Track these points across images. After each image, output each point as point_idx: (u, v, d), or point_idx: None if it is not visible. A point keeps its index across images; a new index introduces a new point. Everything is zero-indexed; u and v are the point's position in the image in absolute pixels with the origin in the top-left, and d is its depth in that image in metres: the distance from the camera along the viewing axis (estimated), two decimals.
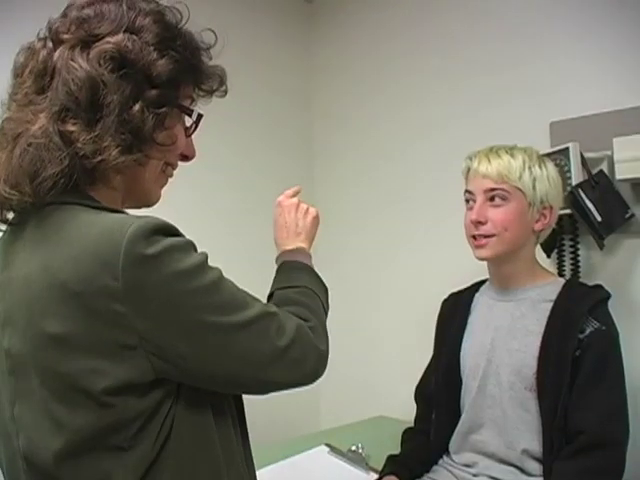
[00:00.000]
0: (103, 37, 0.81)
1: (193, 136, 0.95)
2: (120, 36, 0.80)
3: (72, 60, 0.79)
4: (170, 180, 0.96)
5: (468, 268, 1.60)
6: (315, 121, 2.74)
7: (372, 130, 2.47)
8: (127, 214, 0.81)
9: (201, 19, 0.91)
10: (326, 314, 1.05)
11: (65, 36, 0.81)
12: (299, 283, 1.02)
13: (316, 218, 1.16)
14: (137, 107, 0.80)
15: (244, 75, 2.43)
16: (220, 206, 2.39)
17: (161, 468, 0.79)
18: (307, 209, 1.16)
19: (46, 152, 0.77)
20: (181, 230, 0.82)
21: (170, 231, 0.79)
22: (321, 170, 2.70)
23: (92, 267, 0.73)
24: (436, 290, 1.75)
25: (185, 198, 2.08)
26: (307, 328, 0.91)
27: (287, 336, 0.86)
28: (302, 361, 0.89)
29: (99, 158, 0.78)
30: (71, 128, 0.77)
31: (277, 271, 1.07)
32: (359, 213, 2.50)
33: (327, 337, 0.97)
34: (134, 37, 0.81)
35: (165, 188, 0.96)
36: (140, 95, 0.80)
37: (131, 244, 0.73)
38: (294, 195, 1.19)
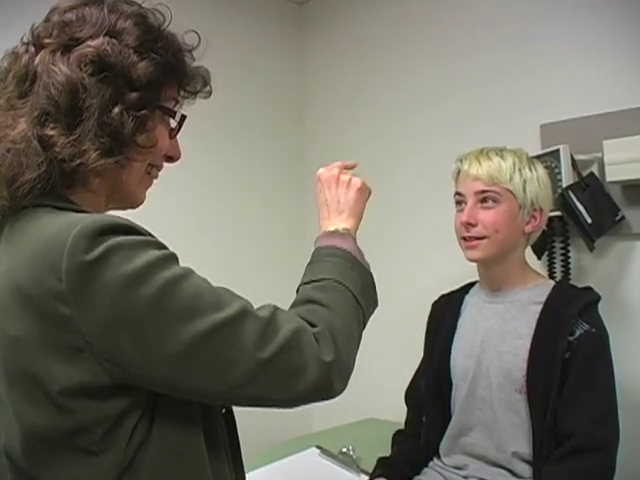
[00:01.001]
0: (84, 41, 0.81)
1: (179, 138, 0.94)
2: (100, 40, 0.80)
3: (53, 64, 0.79)
4: (161, 189, 0.95)
5: (458, 270, 1.60)
6: (307, 125, 2.73)
7: (364, 135, 2.46)
8: (90, 214, 0.78)
9: (190, 22, 0.91)
10: (363, 310, 0.92)
11: (47, 40, 0.82)
12: (325, 275, 0.90)
13: (361, 190, 1.03)
14: (117, 110, 0.79)
15: (234, 79, 2.43)
16: (207, 215, 2.40)
17: (136, 475, 0.77)
18: (349, 180, 1.04)
19: (24, 157, 0.77)
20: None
21: (121, 229, 0.74)
22: (313, 175, 2.69)
23: (41, 269, 0.72)
24: (426, 292, 1.75)
25: (171, 206, 2.08)
26: (310, 334, 0.80)
27: (275, 344, 0.76)
28: (296, 374, 0.78)
29: (77, 161, 0.78)
30: (50, 132, 0.77)
31: (310, 259, 0.96)
32: None
33: (339, 344, 0.82)
34: (114, 40, 0.81)
35: (152, 196, 0.95)
36: (120, 98, 0.80)
37: (73, 246, 0.71)
38: (345, 169, 1.06)
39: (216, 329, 0.74)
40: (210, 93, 0.96)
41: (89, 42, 0.80)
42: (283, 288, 2.47)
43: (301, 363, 0.78)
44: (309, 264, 0.95)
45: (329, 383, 0.81)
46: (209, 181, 2.39)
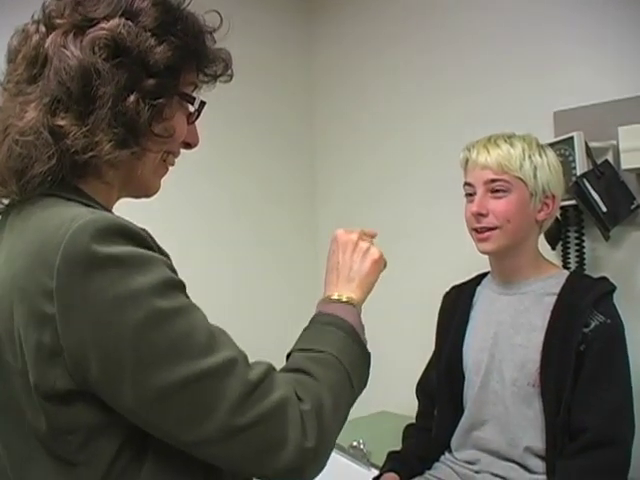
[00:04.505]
0: (98, 22, 0.76)
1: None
2: (115, 21, 0.75)
3: (64, 47, 0.74)
4: (166, 184, 0.92)
5: (470, 260, 1.57)
6: (316, 121, 2.71)
7: (375, 130, 2.44)
8: (95, 210, 0.74)
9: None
10: (354, 392, 0.85)
11: (59, 21, 0.77)
12: (323, 347, 0.83)
13: (377, 262, 0.96)
14: (132, 98, 0.75)
15: (242, 73, 2.39)
16: (213, 213, 2.38)
17: None
18: (367, 249, 0.96)
19: (34, 150, 0.73)
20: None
21: (125, 235, 0.70)
22: (322, 168, 2.68)
23: (35, 263, 0.69)
24: (437, 283, 1.72)
25: (175, 202, 2.05)
26: (297, 409, 0.73)
27: (255, 412, 0.70)
28: (271, 450, 0.71)
29: (90, 154, 0.73)
30: (61, 122, 0.73)
31: (308, 324, 0.89)
32: (359, 207, 2.48)
33: (324, 428, 0.75)
34: (130, 22, 0.76)
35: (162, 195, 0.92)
36: (136, 85, 0.75)
37: (71, 242, 0.67)
38: (365, 235, 1.00)
39: (197, 378, 0.69)
40: (231, 77, 0.90)
41: (103, 24, 0.75)
42: (289, 286, 2.49)
43: (279, 440, 0.71)
44: (306, 329, 0.88)
45: (303, 469, 0.74)
46: (216, 178, 2.36)
